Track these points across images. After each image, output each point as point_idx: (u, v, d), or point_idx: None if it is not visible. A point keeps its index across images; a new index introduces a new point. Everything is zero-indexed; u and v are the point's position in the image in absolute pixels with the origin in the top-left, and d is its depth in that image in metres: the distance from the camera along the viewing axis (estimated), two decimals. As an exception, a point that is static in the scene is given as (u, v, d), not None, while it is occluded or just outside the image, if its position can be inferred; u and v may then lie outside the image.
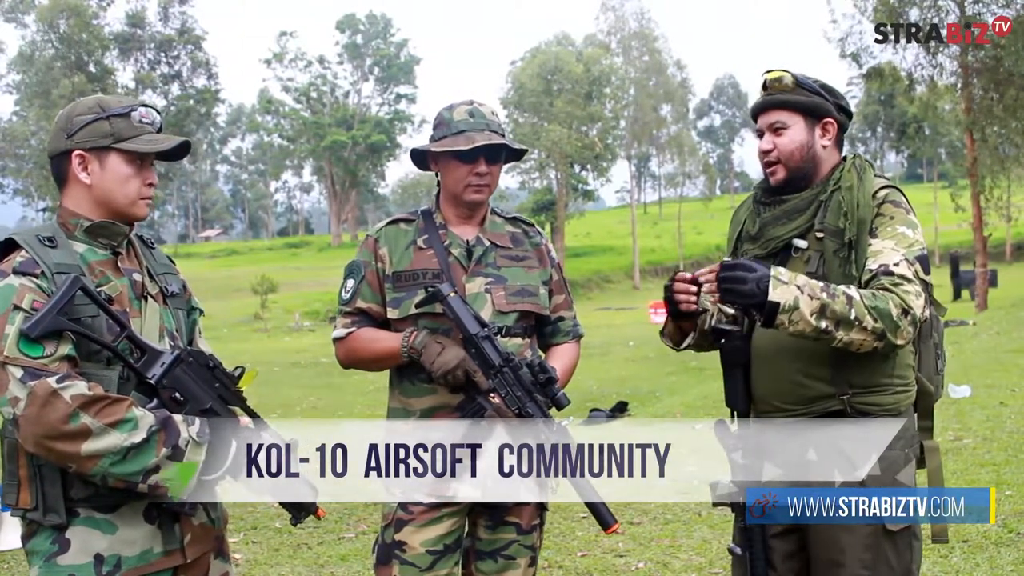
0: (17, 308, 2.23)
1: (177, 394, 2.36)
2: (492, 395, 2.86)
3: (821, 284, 2.61)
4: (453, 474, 2.88)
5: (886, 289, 2.63)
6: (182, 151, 2.51)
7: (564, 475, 2.84)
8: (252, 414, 2.52)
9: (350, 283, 3.07)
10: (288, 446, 2.52)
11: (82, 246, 2.41)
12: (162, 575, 2.41)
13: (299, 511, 2.58)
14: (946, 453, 7.34)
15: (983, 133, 29.59)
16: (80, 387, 2.19)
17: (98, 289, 2.34)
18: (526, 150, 3.21)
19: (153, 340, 2.42)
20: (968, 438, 8.03)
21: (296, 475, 2.53)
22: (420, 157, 3.13)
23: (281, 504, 2.59)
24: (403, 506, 2.98)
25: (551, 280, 3.15)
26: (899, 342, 2.65)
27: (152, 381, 2.33)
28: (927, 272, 2.72)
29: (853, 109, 3.10)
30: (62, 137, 2.41)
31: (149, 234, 2.61)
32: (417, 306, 2.96)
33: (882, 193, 2.80)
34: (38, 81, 50.70)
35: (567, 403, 2.87)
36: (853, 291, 2.62)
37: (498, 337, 2.92)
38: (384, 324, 3.04)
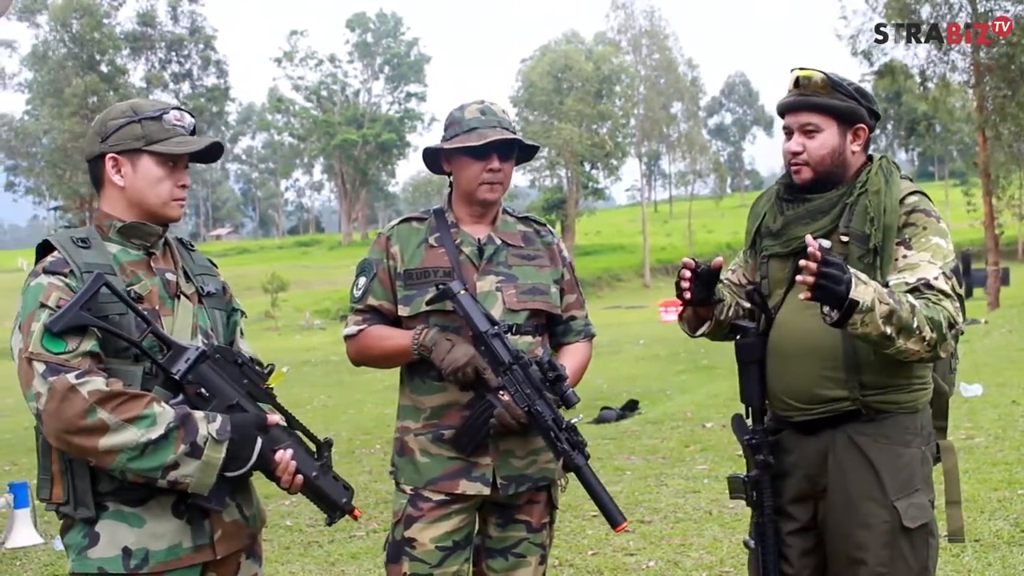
0: (44, 306, 2.28)
1: (202, 390, 2.39)
2: (501, 392, 2.86)
3: (886, 290, 2.56)
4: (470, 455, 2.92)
5: (933, 304, 2.60)
6: (215, 152, 2.56)
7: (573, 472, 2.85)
8: (283, 411, 2.54)
9: (362, 281, 3.08)
10: (321, 444, 2.55)
11: (115, 247, 2.46)
12: (192, 570, 2.43)
13: (333, 510, 2.58)
14: (958, 452, 7.29)
15: (996, 131, 29.48)
16: (98, 383, 2.23)
17: (128, 288, 2.39)
18: (538, 147, 3.21)
19: (185, 338, 2.45)
20: (980, 437, 8.00)
21: (329, 474, 2.55)
22: (432, 158, 3.14)
23: (316, 503, 2.59)
24: (413, 503, 2.99)
25: (563, 279, 3.15)
26: (943, 355, 2.64)
27: (176, 376, 2.36)
28: (960, 283, 2.70)
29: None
30: (96, 141, 2.47)
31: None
32: (428, 303, 2.96)
33: (911, 200, 2.76)
34: (50, 80, 50.90)
35: (576, 400, 2.87)
36: (914, 300, 2.58)
37: (508, 335, 2.92)
38: (395, 322, 3.05)
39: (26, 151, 56.62)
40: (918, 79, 30.76)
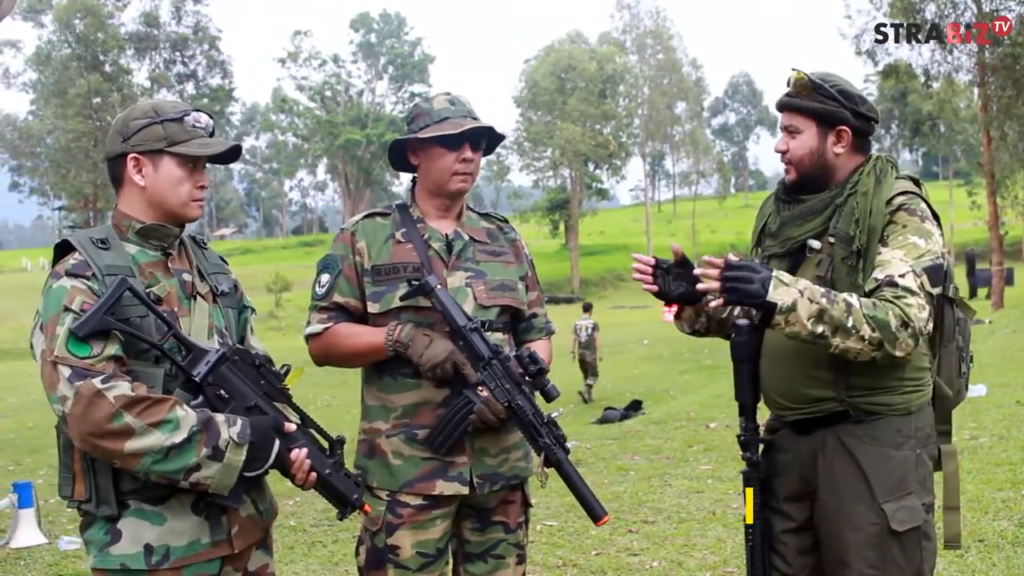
0: (68, 309, 2.29)
1: (222, 391, 2.42)
2: (480, 388, 2.82)
3: (823, 290, 2.59)
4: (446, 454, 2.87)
5: (888, 300, 2.59)
6: (233, 154, 2.57)
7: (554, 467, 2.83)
8: (298, 411, 2.57)
9: (325, 277, 2.98)
10: (334, 442, 2.59)
11: (134, 247, 2.47)
12: (210, 564, 2.47)
13: (345, 506, 2.63)
14: (962, 452, 7.30)
15: (1001, 131, 29.46)
16: (123, 388, 2.25)
17: (147, 290, 2.40)
18: (504, 137, 3.16)
19: (202, 338, 2.47)
20: (984, 437, 8.00)
21: (341, 471, 2.59)
22: (399, 153, 3.07)
23: (328, 499, 2.64)
24: (391, 510, 2.91)
25: (527, 276, 3.12)
26: (897, 353, 2.60)
27: (197, 379, 2.39)
28: (937, 283, 2.66)
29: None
30: (118, 140, 2.48)
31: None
32: (402, 299, 2.88)
33: (898, 200, 2.74)
34: (54, 80, 50.95)
35: (557, 394, 2.85)
36: (854, 299, 2.59)
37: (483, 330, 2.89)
38: (361, 319, 2.96)
39: (30, 151, 56.63)
40: (922, 79, 30.75)
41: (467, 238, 3.02)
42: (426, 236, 2.98)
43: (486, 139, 3.04)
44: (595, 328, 17.56)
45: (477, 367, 2.81)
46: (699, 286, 2.70)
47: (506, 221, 3.19)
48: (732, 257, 2.64)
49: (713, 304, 2.71)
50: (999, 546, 5.07)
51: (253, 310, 2.81)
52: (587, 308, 18.89)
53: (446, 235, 3.00)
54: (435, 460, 2.89)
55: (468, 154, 2.94)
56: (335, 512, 2.67)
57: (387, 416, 2.95)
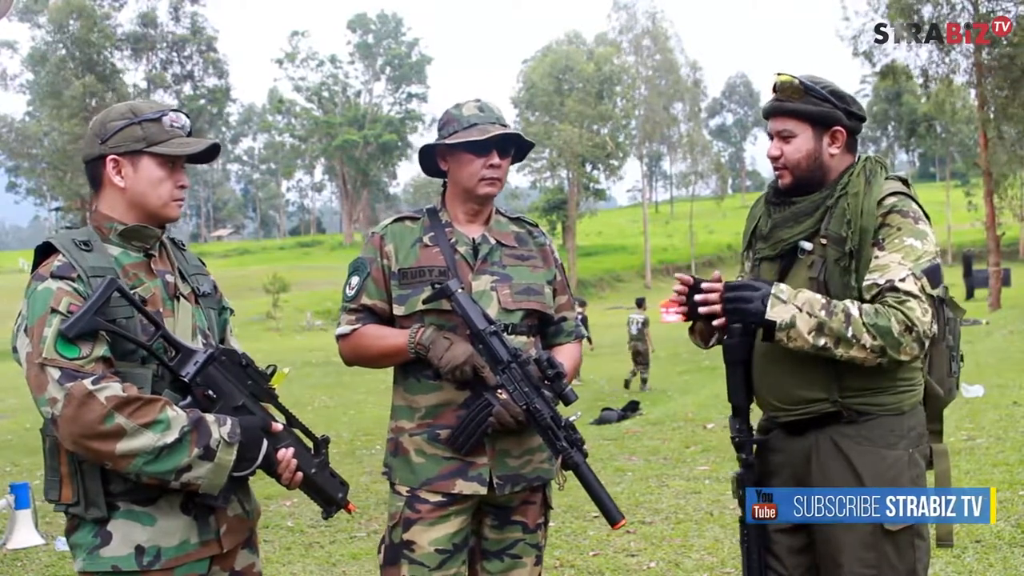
0: (55, 311, 2.28)
1: (210, 391, 2.42)
2: (499, 391, 2.85)
3: (823, 302, 2.61)
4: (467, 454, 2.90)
5: (890, 306, 2.61)
6: (212, 153, 2.58)
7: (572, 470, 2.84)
8: (284, 410, 2.58)
9: (355, 280, 3.05)
10: (319, 442, 2.62)
11: (116, 249, 2.47)
12: (200, 564, 2.48)
13: (329, 505, 2.65)
14: (959, 453, 7.32)
15: (998, 131, 29.51)
16: (115, 388, 2.24)
17: (132, 291, 2.40)
18: (533, 144, 3.22)
19: (186, 339, 2.47)
20: (981, 438, 8.01)
21: (327, 470, 2.62)
22: (429, 157, 3.13)
23: (313, 498, 2.65)
24: (410, 505, 2.98)
25: (555, 280, 3.15)
26: (902, 358, 2.63)
27: (186, 379, 2.39)
28: (936, 284, 2.68)
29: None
30: (96, 142, 2.48)
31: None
32: (424, 302, 2.93)
33: (889, 201, 2.75)
34: (49, 81, 50.82)
35: (575, 399, 2.86)
36: (854, 308, 2.61)
37: (504, 334, 2.91)
38: (389, 321, 3.03)
39: (27, 152, 56.52)
40: (920, 80, 30.78)
41: (494, 242, 3.07)
42: (453, 240, 3.04)
43: (514, 146, 3.08)
44: (646, 323, 18.12)
45: (496, 370, 2.84)
46: (701, 310, 2.75)
47: (536, 226, 3.22)
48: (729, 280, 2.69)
49: (715, 323, 2.76)
50: (996, 547, 5.08)
51: (232, 311, 2.83)
52: (639, 303, 19.52)
53: (473, 239, 3.05)
54: (456, 460, 2.94)
55: (495, 159, 3.00)
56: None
57: (412, 416, 3.02)
